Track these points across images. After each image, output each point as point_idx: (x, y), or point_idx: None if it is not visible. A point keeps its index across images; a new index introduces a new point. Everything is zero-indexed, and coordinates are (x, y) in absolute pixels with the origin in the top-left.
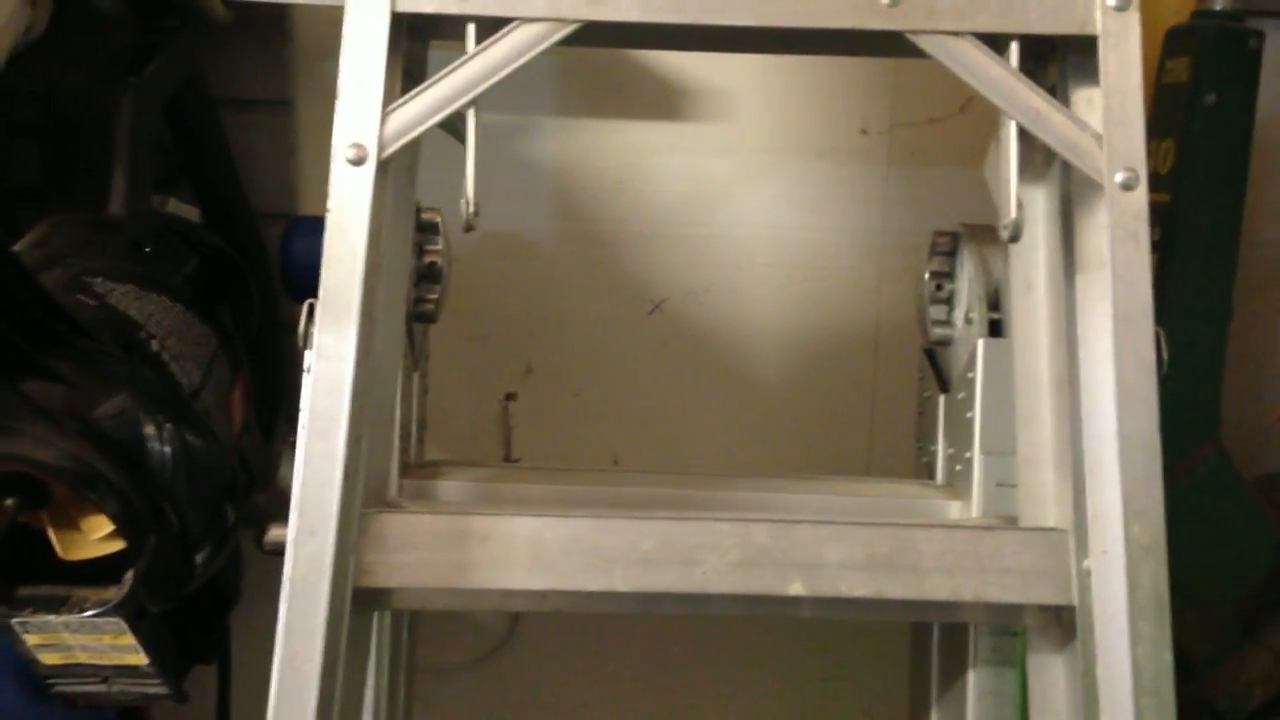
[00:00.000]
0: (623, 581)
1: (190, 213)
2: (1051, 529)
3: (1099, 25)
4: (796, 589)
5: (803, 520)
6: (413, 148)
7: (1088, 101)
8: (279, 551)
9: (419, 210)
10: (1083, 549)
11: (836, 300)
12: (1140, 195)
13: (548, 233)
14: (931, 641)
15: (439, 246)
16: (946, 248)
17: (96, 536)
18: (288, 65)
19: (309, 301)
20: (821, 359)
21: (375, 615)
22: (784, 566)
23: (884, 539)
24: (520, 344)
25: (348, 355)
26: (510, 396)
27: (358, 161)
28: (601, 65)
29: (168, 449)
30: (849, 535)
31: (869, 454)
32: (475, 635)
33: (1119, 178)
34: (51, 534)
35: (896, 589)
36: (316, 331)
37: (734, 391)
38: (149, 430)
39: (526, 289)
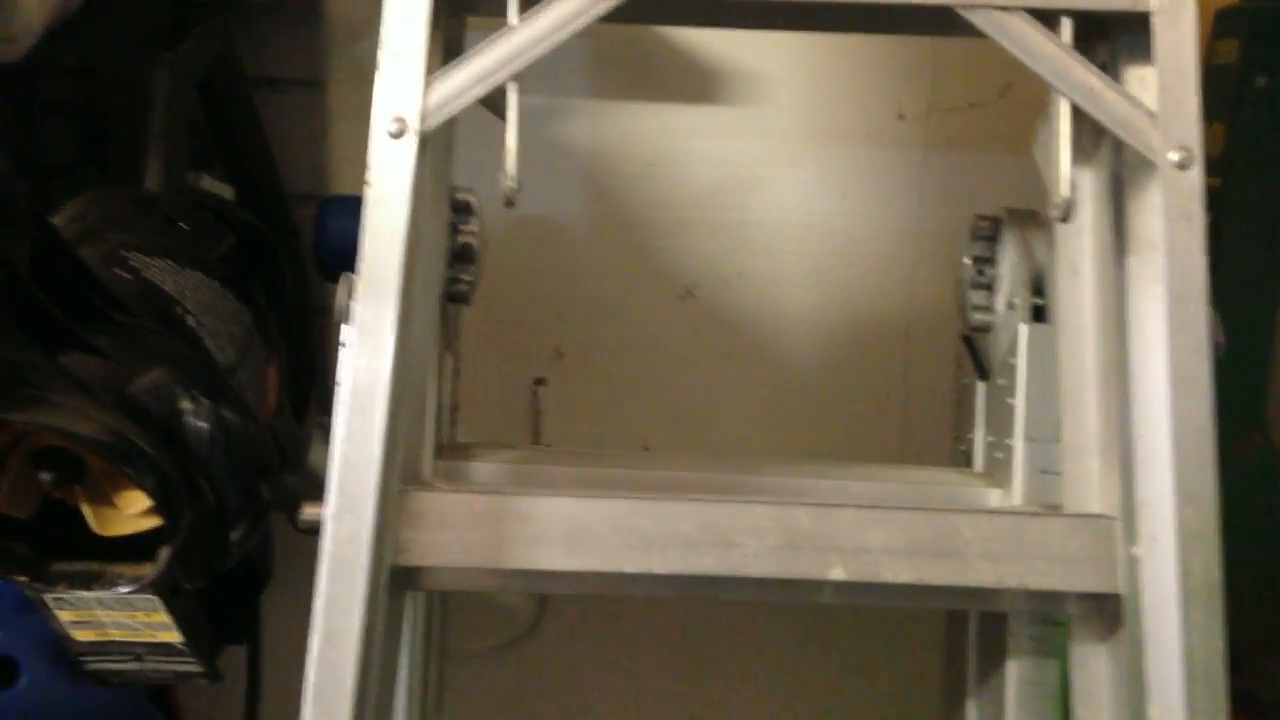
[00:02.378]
0: (661, 564)
1: (224, 191)
2: (1099, 515)
3: (1152, 1)
4: (837, 573)
5: (845, 504)
6: (451, 124)
7: (1140, 80)
8: (314, 530)
9: (453, 190)
10: (1131, 535)
11: (870, 287)
12: (1195, 175)
13: (579, 216)
14: (968, 631)
15: (473, 227)
16: (988, 232)
17: (132, 512)
18: (320, 45)
19: (346, 274)
20: (854, 346)
21: (409, 596)
22: (825, 551)
23: (927, 524)
24: (550, 328)
25: (388, 330)
26: (540, 381)
27: (398, 134)
28: (635, 48)
29: (204, 424)
30: (892, 520)
31: (902, 442)
32: (502, 621)
33: (1173, 156)
34: (86, 509)
35: (939, 575)
36: (356, 305)
37: (765, 378)
38: (186, 405)
39: (557, 273)
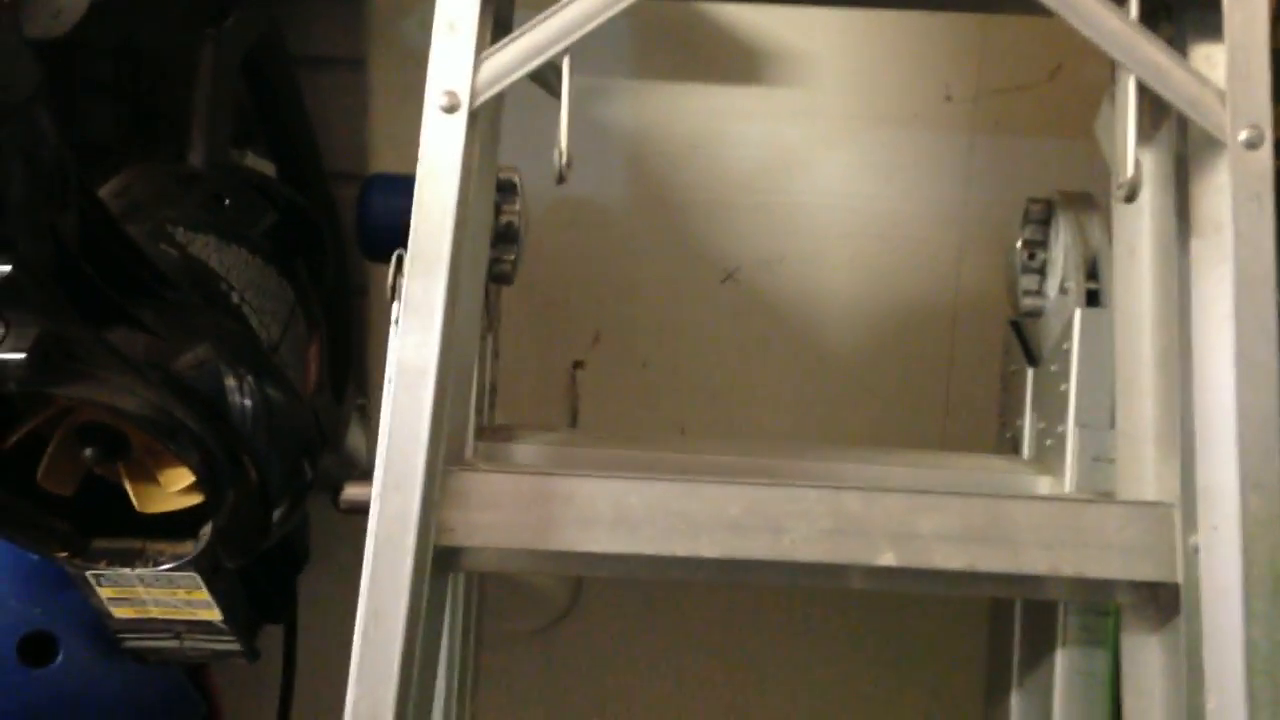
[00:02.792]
0: (709, 547)
1: (266, 168)
2: (1156, 503)
3: None
4: (888, 559)
5: (896, 489)
6: (501, 100)
7: (1207, 58)
8: (356, 509)
9: (497, 169)
10: (1190, 524)
11: (915, 272)
12: (1265, 155)
13: (619, 198)
14: (1014, 620)
15: (516, 207)
16: (1040, 215)
17: (174, 490)
18: (362, 24)
19: (398, 251)
20: (898, 332)
21: (450, 577)
22: (875, 536)
23: (979, 510)
24: (589, 311)
25: (437, 307)
26: (578, 365)
27: (450, 109)
28: (679, 27)
29: (248, 402)
30: (943, 505)
31: (945, 430)
32: (537, 605)
33: (1242, 136)
34: (128, 486)
35: (992, 561)
36: (406, 281)
37: (807, 364)
38: (230, 382)
39: (596, 255)
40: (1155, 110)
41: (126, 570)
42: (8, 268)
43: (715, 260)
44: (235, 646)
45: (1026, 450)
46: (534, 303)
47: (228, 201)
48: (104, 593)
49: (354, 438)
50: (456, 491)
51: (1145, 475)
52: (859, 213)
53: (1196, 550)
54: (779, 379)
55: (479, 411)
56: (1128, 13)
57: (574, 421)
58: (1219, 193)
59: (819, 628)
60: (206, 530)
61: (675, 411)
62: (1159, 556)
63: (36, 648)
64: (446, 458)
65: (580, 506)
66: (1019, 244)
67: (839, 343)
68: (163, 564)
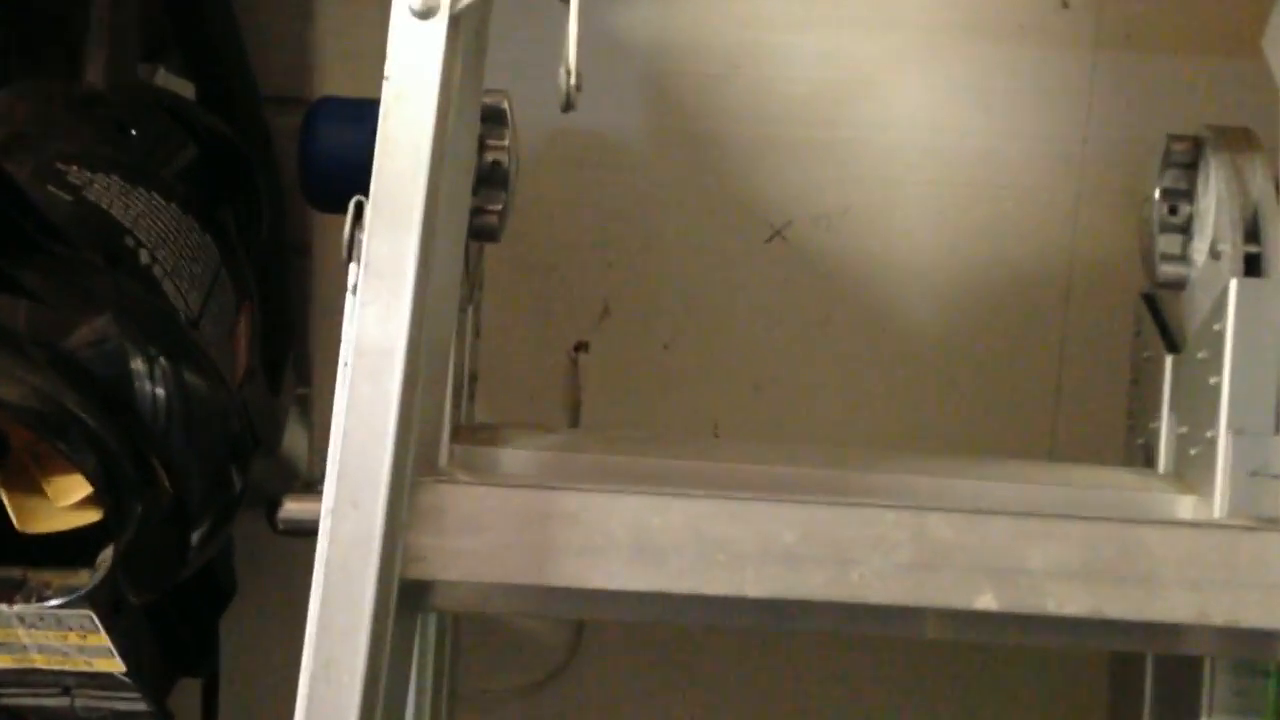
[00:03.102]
0: (755, 584)
1: (184, 89)
2: None
3: None
4: (986, 601)
5: (996, 511)
6: (488, 3)
7: None
8: (299, 531)
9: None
10: None
11: (1017, 229)
12: None
13: (636, 132)
14: (1144, 680)
15: (504, 142)
16: (1184, 157)
17: (66, 503)
18: None
19: (356, 199)
20: (995, 307)
21: (420, 619)
22: (971, 571)
23: (1104, 539)
24: (595, 278)
25: (406, 270)
26: (580, 347)
27: (425, 13)
28: None
29: (161, 390)
30: (1060, 533)
31: (1056, 434)
32: (529, 656)
33: None
34: (5, 499)
35: (1122, 606)
36: (367, 238)
37: (877, 348)
38: (138, 365)
39: (606, 206)
40: None
41: (3, 607)
42: None
43: (759, 213)
44: (141, 706)
45: (1164, 462)
46: (525, 266)
47: (135, 132)
48: None
49: (295, 438)
50: (429, 509)
51: None
52: (945, 152)
53: None
54: (841, 366)
55: (456, 406)
56: None
57: (576, 419)
58: None
59: (881, 679)
60: (106, 556)
61: (707, 408)
62: None
63: None
64: (417, 465)
65: (588, 530)
66: (1156, 194)
67: (919, 319)
68: (50, 599)
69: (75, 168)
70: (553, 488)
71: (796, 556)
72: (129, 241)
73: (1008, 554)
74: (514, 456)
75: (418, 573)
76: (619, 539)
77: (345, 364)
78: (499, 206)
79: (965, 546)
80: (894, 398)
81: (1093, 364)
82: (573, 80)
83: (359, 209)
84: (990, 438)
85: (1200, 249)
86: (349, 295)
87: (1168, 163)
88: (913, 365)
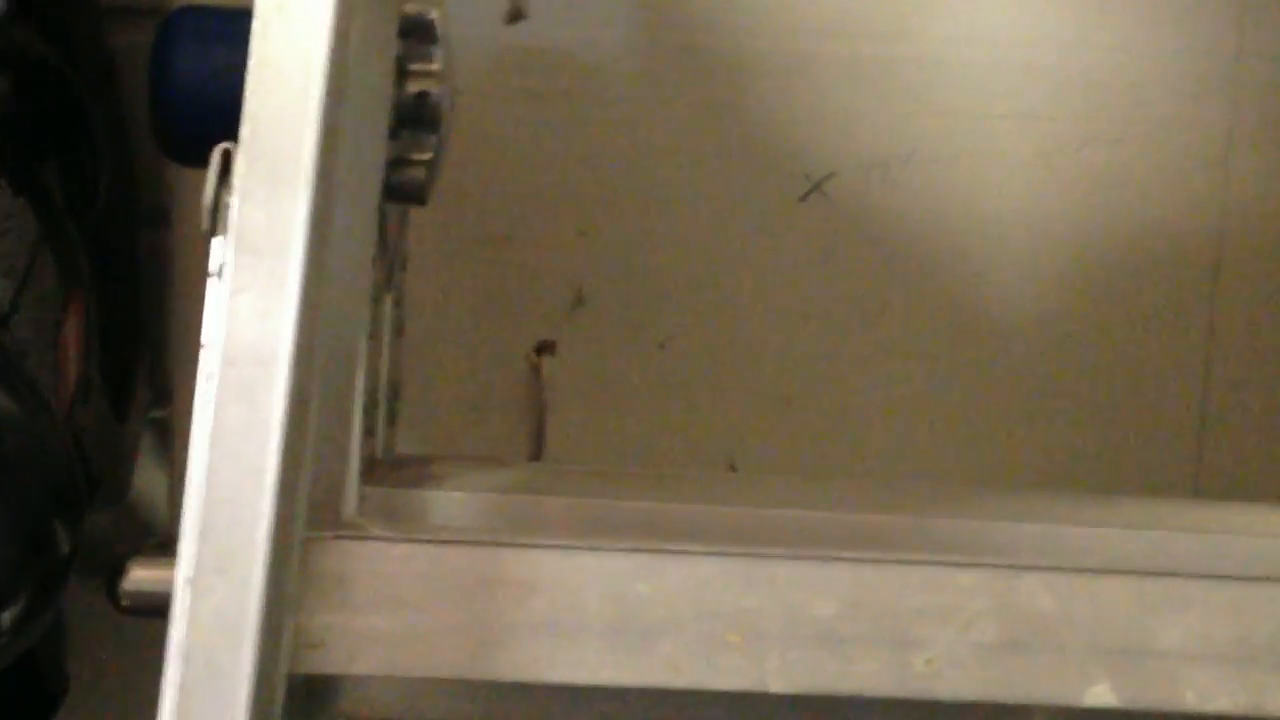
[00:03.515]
0: (780, 676)
1: None
2: None
3: None
4: (1101, 695)
5: (1113, 570)
6: None
7: None
8: (148, 608)
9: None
10: None
11: (1146, 179)
12: None
13: (618, 48)
14: None
15: (435, 66)
16: None
17: None
18: None
19: (223, 148)
20: (1113, 287)
21: None
22: (1080, 653)
23: (1265, 608)
24: (564, 254)
25: (293, 246)
26: (544, 348)
27: None
28: None
29: None
30: (1203, 598)
31: (1198, 459)
32: None
33: None
34: None
35: None
36: (237, 201)
37: (949, 346)
38: None
39: (578, 154)
40: None
41: None
42: None
43: (790, 162)
44: None
45: None
46: (468, 238)
47: None
48: None
49: (150, 478)
50: (329, 576)
51: None
52: (1048, 73)
53: None
54: (901, 373)
55: (370, 433)
56: None
57: (538, 449)
58: None
59: None
60: None
61: (718, 431)
62: None
63: None
64: (312, 516)
65: (551, 602)
66: None
67: (1007, 308)
68: None
69: None
70: (503, 544)
71: (838, 636)
72: None
73: (1131, 629)
74: (451, 502)
75: (314, 665)
76: (593, 615)
77: (208, 377)
78: (427, 155)
79: (1072, 619)
80: (974, 414)
81: (1251, 366)
82: None
83: (226, 160)
84: (1107, 468)
85: None
86: (212, 280)
87: None
88: (1000, 370)
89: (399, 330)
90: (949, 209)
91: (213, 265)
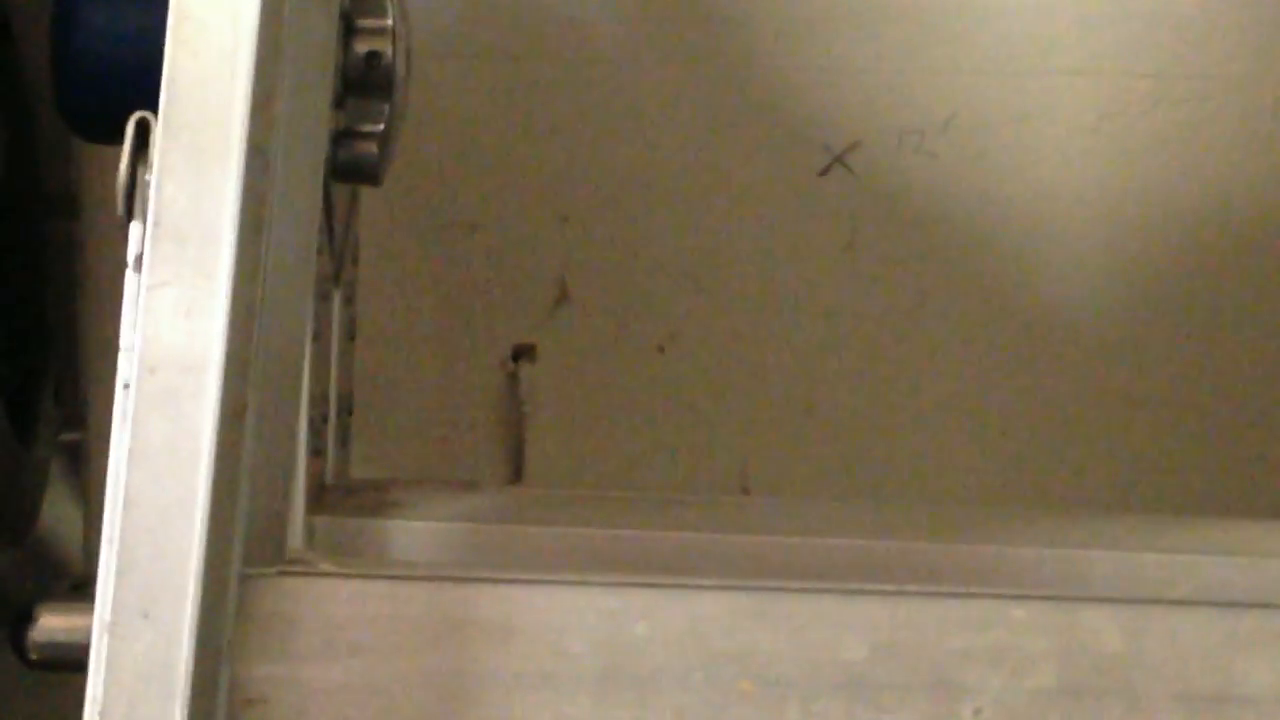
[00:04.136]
0: None
1: None
2: None
3: None
4: None
5: (1194, 602)
6: None
7: None
8: (62, 661)
9: None
10: None
11: (1225, 145)
12: None
13: (607, 6)
14: None
15: (387, 22)
16: None
17: None
18: None
19: (138, 117)
20: (1186, 274)
21: None
22: (1153, 699)
23: None
24: (546, 244)
25: (222, 231)
26: (522, 353)
27: None
28: None
29: None
30: None
31: None
32: None
33: None
34: None
35: None
36: (155, 179)
37: (996, 346)
38: None
39: (561, 127)
40: None
41: None
42: None
43: (807, 131)
44: None
45: None
46: (434, 225)
47: None
48: None
49: (61, 510)
50: (271, 618)
51: None
52: (1106, 24)
53: None
54: (941, 378)
55: (318, 452)
56: None
57: (518, 469)
58: None
59: None
60: None
61: (728, 446)
62: None
63: None
64: (250, 549)
65: (530, 646)
66: None
67: (1066, 300)
68: None
69: None
70: (474, 579)
71: (870, 683)
72: None
73: (1212, 670)
74: (414, 533)
75: None
76: (582, 661)
77: (126, 385)
78: (379, 127)
79: (1142, 660)
80: (1025, 425)
81: None
82: None
83: (142, 132)
84: (1185, 486)
85: None
86: (129, 273)
87: None
88: (1055, 372)
89: (351, 333)
90: (994, 183)
91: (129, 255)
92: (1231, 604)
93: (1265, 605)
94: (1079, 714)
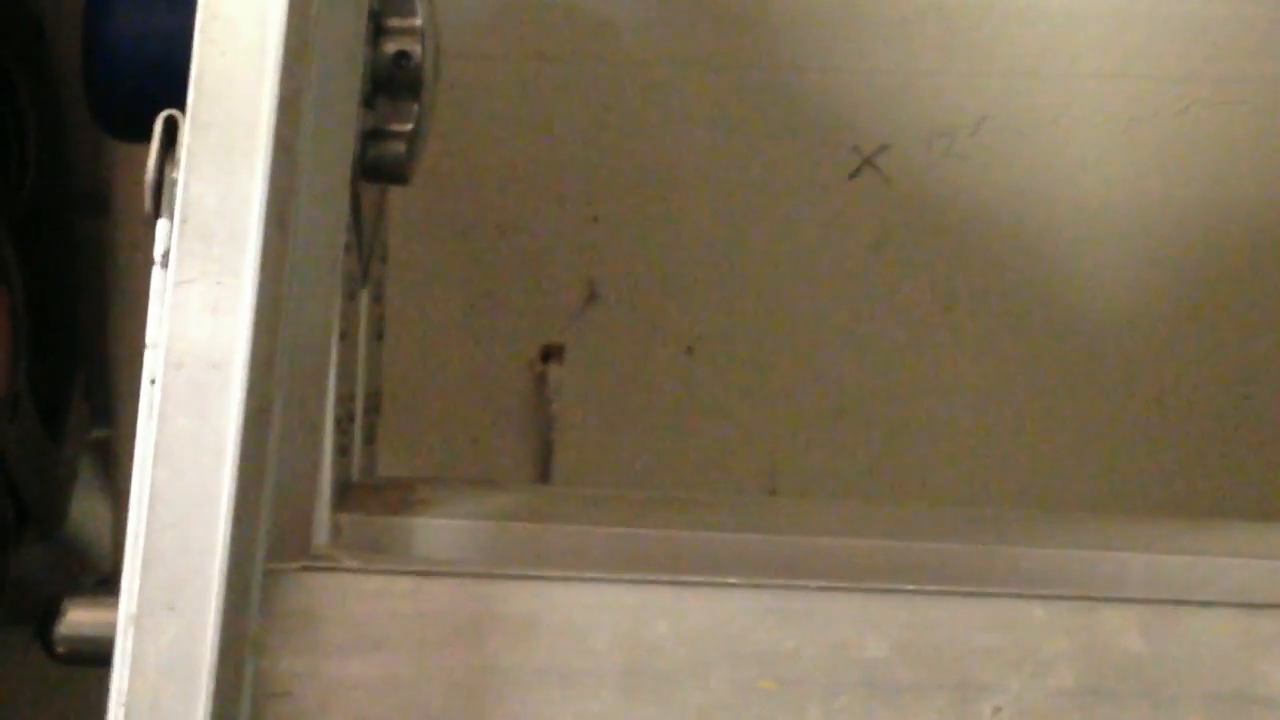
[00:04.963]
0: None
1: None
2: None
3: None
4: None
5: (1218, 603)
6: None
7: None
8: (88, 655)
9: None
10: None
11: (1262, 151)
12: None
13: (635, 2)
14: None
15: (417, 22)
16: None
17: None
18: None
19: (166, 115)
20: (1222, 279)
21: None
22: (1176, 701)
23: None
24: (575, 244)
25: (248, 230)
26: (552, 353)
27: None
28: None
29: None
30: None
31: None
32: None
33: None
34: None
35: None
36: (182, 177)
37: (1028, 349)
38: None
39: (590, 127)
40: None
41: None
42: None
43: (837, 133)
44: None
45: None
46: (463, 227)
47: None
48: None
49: (90, 506)
50: (296, 614)
51: None
52: (1139, 25)
53: None
54: (971, 379)
55: (344, 451)
56: None
57: (546, 469)
58: None
59: None
60: None
61: (755, 447)
62: None
63: None
64: (275, 545)
65: (554, 643)
66: None
67: (1098, 303)
68: None
69: None
70: (496, 576)
71: (891, 681)
72: None
73: (1234, 671)
74: (440, 530)
75: (279, 717)
76: (604, 657)
77: (153, 382)
78: (408, 126)
79: (1163, 660)
80: (1057, 427)
81: None
82: None
83: (171, 130)
84: (1215, 489)
85: None
86: (156, 270)
87: None
88: (1087, 374)
89: (379, 332)
90: (1024, 186)
91: (156, 252)
92: (1252, 605)
93: None
94: (1099, 714)
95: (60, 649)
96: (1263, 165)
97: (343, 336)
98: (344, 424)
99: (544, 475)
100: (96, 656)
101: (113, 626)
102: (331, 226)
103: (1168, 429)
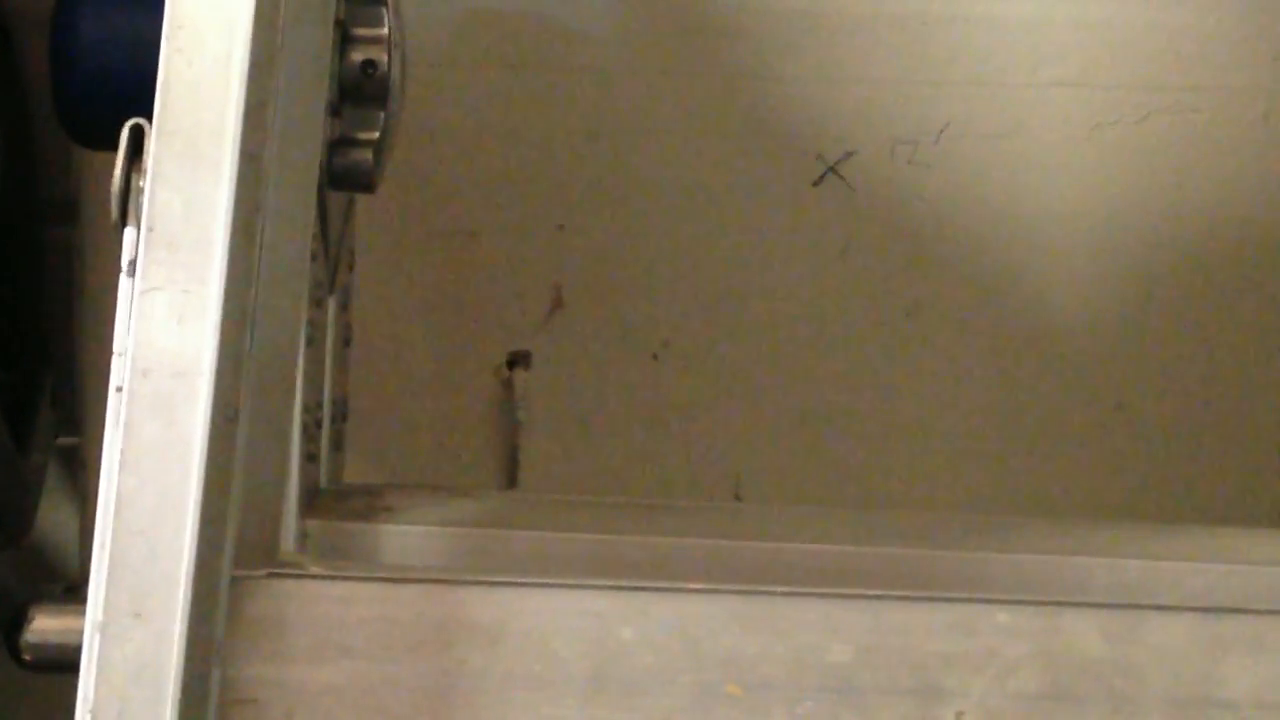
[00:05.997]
0: None
1: None
2: None
3: None
4: None
5: (1177, 608)
6: None
7: None
8: (55, 662)
9: None
10: None
11: (1220, 159)
12: None
13: (601, 9)
14: None
15: (383, 31)
16: None
17: None
18: None
19: (133, 123)
20: (1180, 286)
21: None
22: (1134, 702)
23: None
24: (541, 251)
25: (214, 237)
26: (518, 360)
27: None
28: None
29: None
30: (1276, 640)
31: None
32: None
33: None
34: None
35: None
36: (149, 185)
37: (991, 354)
38: None
39: (557, 135)
40: None
41: None
42: None
43: (800, 140)
44: None
45: None
46: (429, 233)
47: None
48: None
49: (57, 514)
50: (263, 621)
51: None
52: (1099, 35)
53: None
54: (934, 386)
55: (312, 457)
56: None
57: (512, 476)
58: None
59: None
60: None
61: (721, 454)
62: None
63: None
64: (241, 552)
65: (520, 649)
66: None
67: (1061, 309)
68: None
69: None
70: (463, 582)
71: (855, 686)
72: None
73: (1193, 675)
74: (407, 537)
75: None
76: (569, 663)
77: (119, 389)
78: (374, 134)
79: (1124, 664)
80: (1017, 434)
81: None
82: None
83: (137, 138)
84: (1175, 495)
85: None
86: (123, 278)
87: None
88: (1048, 382)
89: (346, 339)
90: (986, 193)
91: (124, 260)
92: (1213, 609)
93: (1245, 610)
94: (1061, 718)
95: (27, 656)
96: (1220, 173)
97: (310, 344)
98: (311, 431)
99: (510, 481)
100: (64, 664)
101: (80, 634)
102: (298, 234)
103: (1129, 435)
